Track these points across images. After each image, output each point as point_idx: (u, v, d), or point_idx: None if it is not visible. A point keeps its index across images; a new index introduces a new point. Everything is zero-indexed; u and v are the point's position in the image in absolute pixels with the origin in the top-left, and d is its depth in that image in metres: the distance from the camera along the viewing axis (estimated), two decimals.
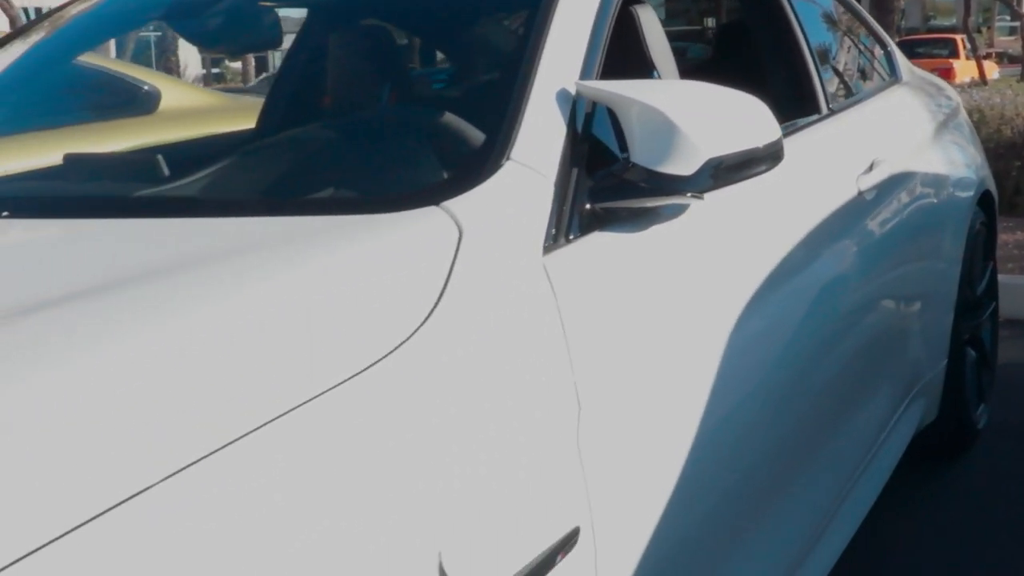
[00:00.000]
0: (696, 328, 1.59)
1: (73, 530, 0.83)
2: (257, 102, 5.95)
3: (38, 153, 2.28)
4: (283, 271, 1.18)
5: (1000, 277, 3.60)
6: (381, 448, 1.05)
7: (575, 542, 1.24)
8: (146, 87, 4.80)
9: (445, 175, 1.54)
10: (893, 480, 2.50)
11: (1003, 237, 4.85)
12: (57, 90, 2.65)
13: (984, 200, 3.19)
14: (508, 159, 1.44)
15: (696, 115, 1.51)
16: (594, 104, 1.59)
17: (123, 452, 0.91)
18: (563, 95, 1.55)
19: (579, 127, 1.56)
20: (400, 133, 1.68)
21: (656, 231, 1.57)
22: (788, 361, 1.87)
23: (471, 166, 1.44)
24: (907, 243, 2.55)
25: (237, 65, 20.20)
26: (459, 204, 1.33)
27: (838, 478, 2.21)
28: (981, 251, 3.21)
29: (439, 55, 3.02)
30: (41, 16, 2.40)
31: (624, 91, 1.53)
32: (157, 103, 4.75)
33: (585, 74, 1.61)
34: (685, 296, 1.60)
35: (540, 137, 1.49)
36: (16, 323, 1.07)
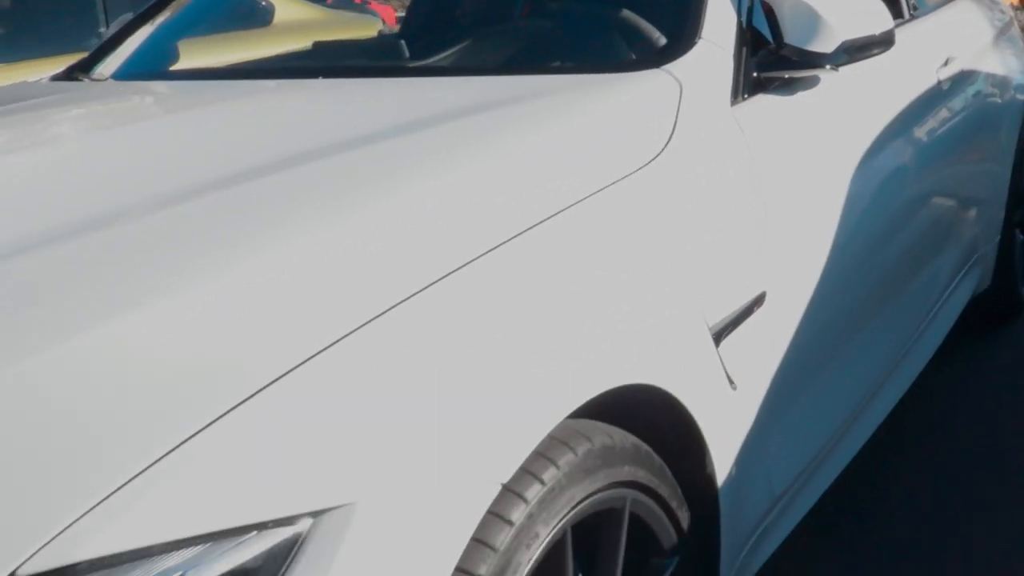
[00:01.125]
0: (826, 168, 2.11)
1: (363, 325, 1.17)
2: (359, 16, 6.41)
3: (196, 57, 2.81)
4: (563, 114, 1.71)
5: None
6: (655, 228, 1.58)
7: (763, 301, 1.78)
8: (263, 3, 5.29)
9: (658, 49, 2.05)
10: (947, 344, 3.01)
11: None
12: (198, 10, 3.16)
13: None
14: (700, 38, 1.95)
15: (833, 7, 2.02)
16: (752, 0, 2.10)
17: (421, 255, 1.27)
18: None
19: (743, 17, 2.06)
20: (617, 18, 2.18)
21: (801, 96, 2.08)
22: (885, 208, 2.39)
23: (676, 42, 1.96)
24: (972, 130, 3.04)
25: None
26: (675, 67, 1.85)
27: (914, 319, 2.73)
28: None
29: None
30: None
31: None
32: (272, 17, 5.25)
33: None
34: (820, 144, 2.12)
35: (719, 23, 2.00)
36: (355, 150, 1.56)
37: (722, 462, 1.65)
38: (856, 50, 2.06)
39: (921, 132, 2.66)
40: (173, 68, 2.68)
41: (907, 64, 2.66)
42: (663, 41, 2.05)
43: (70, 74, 2.70)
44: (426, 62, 2.19)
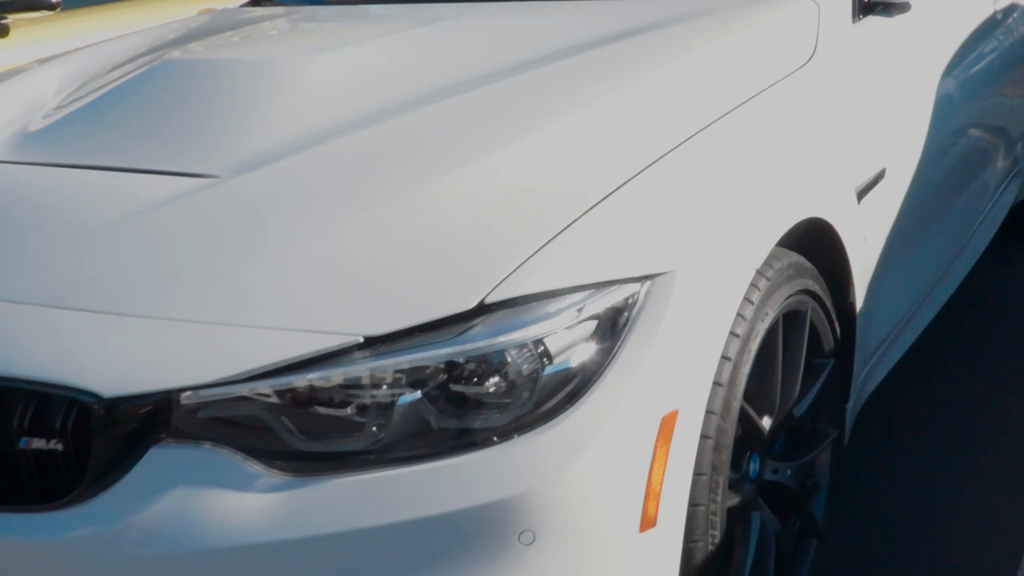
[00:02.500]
0: (918, 76, 2.62)
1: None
2: None
3: None
4: (743, 25, 2.20)
5: None
6: (812, 112, 2.08)
7: (884, 176, 2.29)
8: None
9: None
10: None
11: None
12: None
13: None
14: None
15: None
16: None
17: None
18: None
19: None
20: None
21: (898, 18, 2.58)
22: (957, 112, 2.89)
23: None
24: (1020, 57, 3.54)
25: None
26: None
27: (975, 211, 3.24)
28: None
29: None
30: None
31: None
32: None
33: None
34: (914, 56, 2.62)
35: None
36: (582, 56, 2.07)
37: (859, 294, 2.16)
38: None
39: (981, 53, 3.16)
40: None
41: None
42: None
43: (258, 2, 3.19)
44: None
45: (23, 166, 1.91)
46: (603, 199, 1.56)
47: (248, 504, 1.40)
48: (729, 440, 1.64)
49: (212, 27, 2.74)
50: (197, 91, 2.06)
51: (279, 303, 1.45)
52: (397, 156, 1.72)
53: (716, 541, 1.62)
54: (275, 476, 1.41)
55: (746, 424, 1.75)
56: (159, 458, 1.42)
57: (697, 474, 1.57)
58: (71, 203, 1.72)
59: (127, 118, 2.03)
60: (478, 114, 1.83)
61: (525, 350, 1.43)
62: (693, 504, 1.57)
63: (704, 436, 1.57)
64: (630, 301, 1.50)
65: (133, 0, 4.76)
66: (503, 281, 1.44)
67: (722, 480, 1.63)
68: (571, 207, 1.54)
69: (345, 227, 1.55)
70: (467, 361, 1.42)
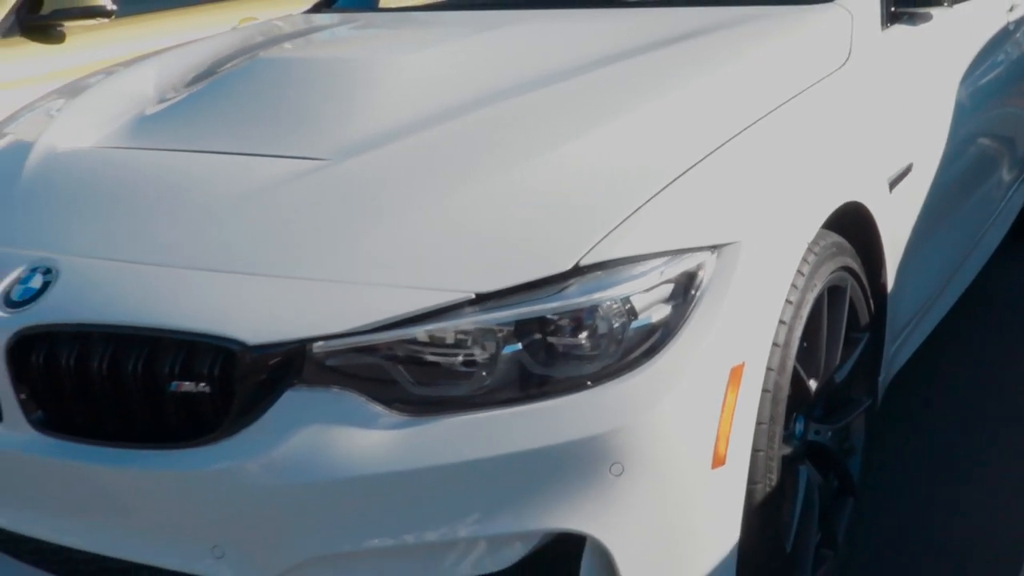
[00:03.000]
0: (941, 80, 2.83)
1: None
2: None
3: None
4: (790, 31, 2.42)
5: None
6: (850, 109, 2.29)
7: (911, 170, 2.50)
8: None
9: None
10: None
11: None
12: None
13: None
14: None
15: None
16: None
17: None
18: None
19: None
20: None
21: (922, 27, 2.79)
22: (975, 115, 3.10)
23: None
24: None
25: None
26: (844, 1, 2.56)
27: (990, 210, 3.46)
28: None
29: None
30: None
31: None
32: None
33: None
34: (936, 62, 2.83)
35: None
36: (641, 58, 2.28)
37: (890, 276, 2.37)
38: None
39: (995, 62, 3.38)
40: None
41: (984, 9, 3.37)
42: None
43: (317, 10, 3.41)
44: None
45: (149, 151, 2.12)
46: (677, 177, 1.77)
47: (370, 440, 1.60)
48: (784, 395, 1.84)
49: (290, 31, 2.96)
50: (295, 87, 2.27)
51: (399, 264, 1.66)
52: (493, 140, 1.93)
53: (772, 484, 1.83)
54: (394, 416, 1.61)
55: (796, 385, 1.95)
56: (293, 400, 1.62)
57: (758, 423, 1.77)
58: (199, 182, 1.93)
59: (231, 110, 2.24)
60: (562, 105, 2.04)
61: (614, 307, 1.64)
62: (755, 449, 1.77)
63: (764, 390, 1.78)
64: (703, 267, 1.71)
65: (180, 9, 4.98)
66: (595, 246, 1.65)
67: (778, 430, 1.83)
68: (651, 184, 1.75)
69: (453, 199, 1.76)
70: (563, 316, 1.63)
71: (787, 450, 1.94)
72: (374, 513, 1.62)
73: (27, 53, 4.32)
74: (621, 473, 1.60)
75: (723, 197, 1.81)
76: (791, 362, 1.86)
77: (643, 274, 1.66)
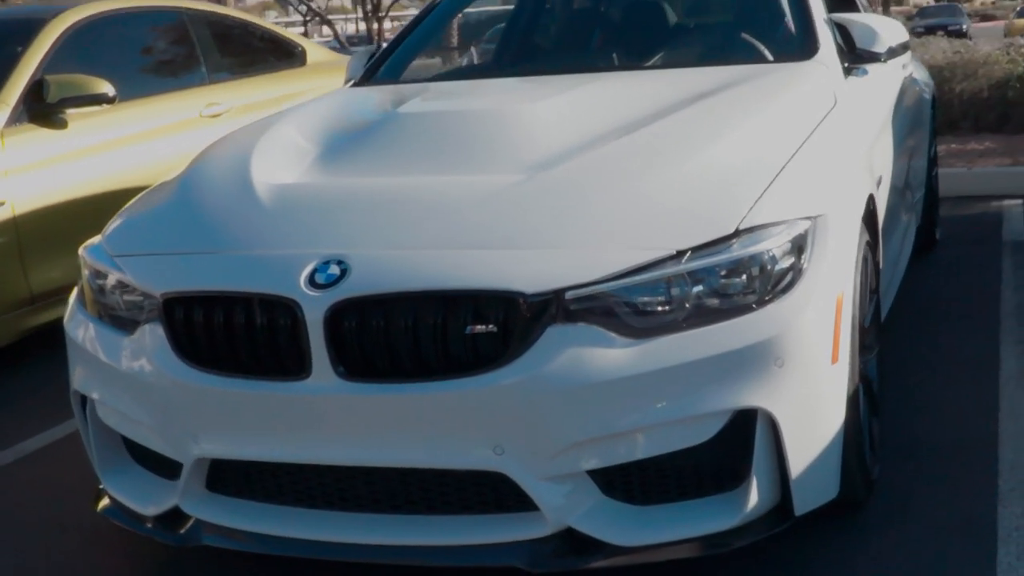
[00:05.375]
0: (881, 117, 3.74)
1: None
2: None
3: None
4: (797, 82, 3.28)
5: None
6: (842, 140, 3.14)
7: (882, 180, 3.38)
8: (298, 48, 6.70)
9: (800, 48, 3.63)
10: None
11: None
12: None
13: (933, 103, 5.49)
14: (820, 44, 3.56)
15: (882, 26, 3.68)
16: (833, 24, 3.72)
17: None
18: (827, 21, 3.69)
19: (833, 31, 3.68)
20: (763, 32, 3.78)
21: (870, 76, 3.71)
22: (896, 146, 4.03)
23: (811, 45, 3.55)
24: (915, 117, 4.77)
25: None
26: (820, 58, 3.45)
27: (905, 224, 4.40)
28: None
29: None
30: None
31: (852, 18, 3.68)
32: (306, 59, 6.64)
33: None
34: (876, 104, 3.75)
35: (824, 35, 3.62)
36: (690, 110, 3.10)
37: (882, 251, 3.24)
38: (894, 51, 3.72)
39: (902, 102, 4.35)
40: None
41: (890, 68, 4.35)
42: (792, 45, 3.66)
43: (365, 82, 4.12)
44: (653, 60, 3.76)
45: (355, 179, 2.81)
46: (779, 173, 2.58)
47: (611, 355, 2.31)
48: (858, 323, 2.64)
49: (391, 96, 3.68)
50: (454, 129, 3.01)
51: (616, 233, 2.40)
52: (652, 150, 2.70)
53: (857, 384, 2.62)
54: (624, 339, 2.33)
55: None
56: (552, 333, 2.32)
57: (852, 337, 2.56)
58: (434, 193, 2.61)
59: (408, 149, 2.94)
60: (677, 132, 2.83)
61: (765, 256, 2.40)
62: (851, 356, 2.56)
63: (852, 316, 2.58)
64: (808, 230, 2.50)
65: (176, 92, 5.56)
66: (745, 216, 2.43)
67: (858, 347, 2.63)
68: (764, 177, 2.55)
69: (643, 189, 2.53)
70: (731, 264, 2.38)
71: (861, 364, 2.74)
72: (615, 406, 2.32)
73: (36, 139, 4.75)
74: (782, 365, 2.36)
75: (809, 186, 2.62)
76: (860, 299, 2.67)
77: (777, 235, 2.44)
